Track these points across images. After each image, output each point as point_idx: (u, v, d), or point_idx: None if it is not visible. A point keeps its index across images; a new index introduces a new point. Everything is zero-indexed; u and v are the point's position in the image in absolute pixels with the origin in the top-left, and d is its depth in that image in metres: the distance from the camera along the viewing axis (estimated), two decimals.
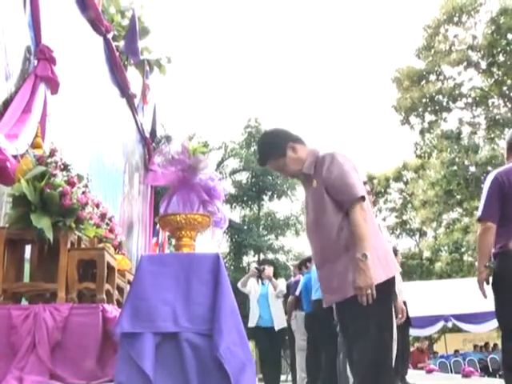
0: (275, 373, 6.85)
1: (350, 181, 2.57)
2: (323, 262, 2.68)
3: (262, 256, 20.77)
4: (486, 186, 3.48)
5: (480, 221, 3.42)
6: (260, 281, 6.98)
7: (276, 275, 7.05)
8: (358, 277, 2.42)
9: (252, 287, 6.95)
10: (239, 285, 6.95)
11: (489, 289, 3.41)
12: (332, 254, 2.60)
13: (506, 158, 3.65)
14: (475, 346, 19.22)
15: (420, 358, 15.21)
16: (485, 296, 3.39)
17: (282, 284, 6.98)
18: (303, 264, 7.43)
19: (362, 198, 2.56)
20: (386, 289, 2.56)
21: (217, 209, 2.87)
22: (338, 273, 2.56)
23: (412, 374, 9.54)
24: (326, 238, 2.62)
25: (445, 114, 24.97)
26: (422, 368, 13.43)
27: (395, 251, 6.79)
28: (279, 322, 6.76)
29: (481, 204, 3.46)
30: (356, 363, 2.56)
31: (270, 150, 2.79)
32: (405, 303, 7.26)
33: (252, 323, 6.78)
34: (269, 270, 6.86)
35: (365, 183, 3.57)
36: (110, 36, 7.67)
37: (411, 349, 14.48)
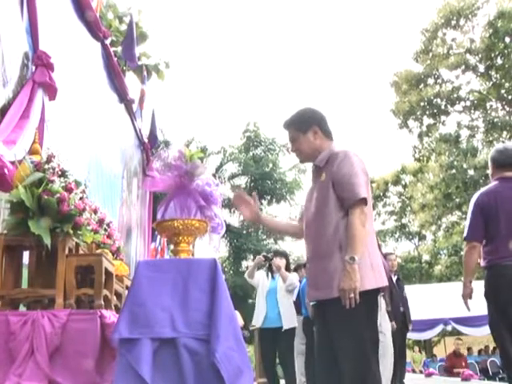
0: (292, 376, 5.93)
1: (356, 180, 2.58)
2: (314, 256, 2.68)
3: None
4: (469, 207, 3.74)
5: (466, 241, 3.70)
6: (270, 274, 6.22)
7: (289, 270, 6.28)
8: (344, 279, 2.43)
9: (261, 281, 6.18)
10: (246, 275, 6.29)
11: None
12: (325, 250, 2.60)
13: (491, 174, 3.77)
14: (469, 349, 19.16)
15: (456, 363, 13.73)
16: (468, 309, 3.74)
17: (293, 277, 6.18)
18: (300, 268, 7.40)
19: (364, 201, 2.57)
20: (375, 297, 2.58)
21: (214, 214, 2.88)
22: (328, 270, 2.56)
23: (411, 378, 9.55)
24: (322, 232, 2.63)
25: (443, 118, 25.06)
26: (458, 374, 12.10)
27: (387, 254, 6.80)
28: (288, 321, 5.87)
29: (466, 225, 3.73)
30: (341, 364, 2.54)
31: (298, 119, 2.87)
32: (405, 303, 7.30)
33: (257, 322, 6.07)
34: (281, 263, 6.07)
35: None
36: (107, 42, 7.69)
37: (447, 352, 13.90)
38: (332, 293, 2.51)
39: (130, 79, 11.64)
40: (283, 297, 5.96)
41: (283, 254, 6.35)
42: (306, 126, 2.82)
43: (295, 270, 7.18)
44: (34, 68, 4.76)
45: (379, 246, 4.16)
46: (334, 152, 2.72)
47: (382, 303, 4.98)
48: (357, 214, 2.53)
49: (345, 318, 2.48)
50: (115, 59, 8.18)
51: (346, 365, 2.49)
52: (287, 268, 6.16)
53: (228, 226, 22.42)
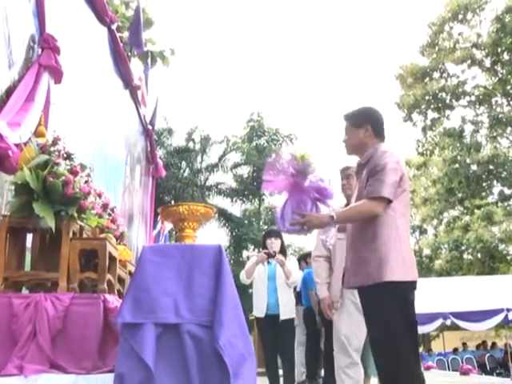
0: (290, 368, 5.49)
1: (383, 178, 2.64)
2: (351, 246, 2.80)
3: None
4: None
5: None
6: (266, 261, 5.55)
7: (284, 252, 5.72)
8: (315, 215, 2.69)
9: (256, 271, 5.59)
10: (243, 276, 5.60)
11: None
12: (359, 241, 2.71)
13: None
14: (464, 344, 19.17)
15: None
16: None
17: (296, 274, 5.63)
18: (303, 259, 7.38)
19: (383, 200, 2.62)
20: (405, 289, 2.61)
21: (328, 206, 2.97)
22: (362, 260, 2.66)
23: None
24: (358, 224, 2.74)
25: (448, 112, 24.97)
26: None
27: None
28: (286, 311, 5.38)
29: None
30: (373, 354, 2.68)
31: (355, 116, 2.98)
32: None
33: (260, 313, 5.51)
34: (276, 244, 5.51)
35: (348, 169, 3.90)
36: (114, 27, 7.64)
37: None
38: (367, 280, 2.61)
39: (136, 65, 11.60)
40: (283, 284, 5.46)
41: (278, 234, 5.65)
42: (360, 122, 2.91)
43: (298, 260, 7.05)
44: (40, 51, 4.73)
45: None
46: (377, 150, 2.81)
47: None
48: (370, 203, 2.62)
49: (375, 307, 2.60)
50: (121, 45, 8.14)
51: (377, 353, 2.61)
52: (282, 249, 5.66)
53: (229, 216, 22.47)
